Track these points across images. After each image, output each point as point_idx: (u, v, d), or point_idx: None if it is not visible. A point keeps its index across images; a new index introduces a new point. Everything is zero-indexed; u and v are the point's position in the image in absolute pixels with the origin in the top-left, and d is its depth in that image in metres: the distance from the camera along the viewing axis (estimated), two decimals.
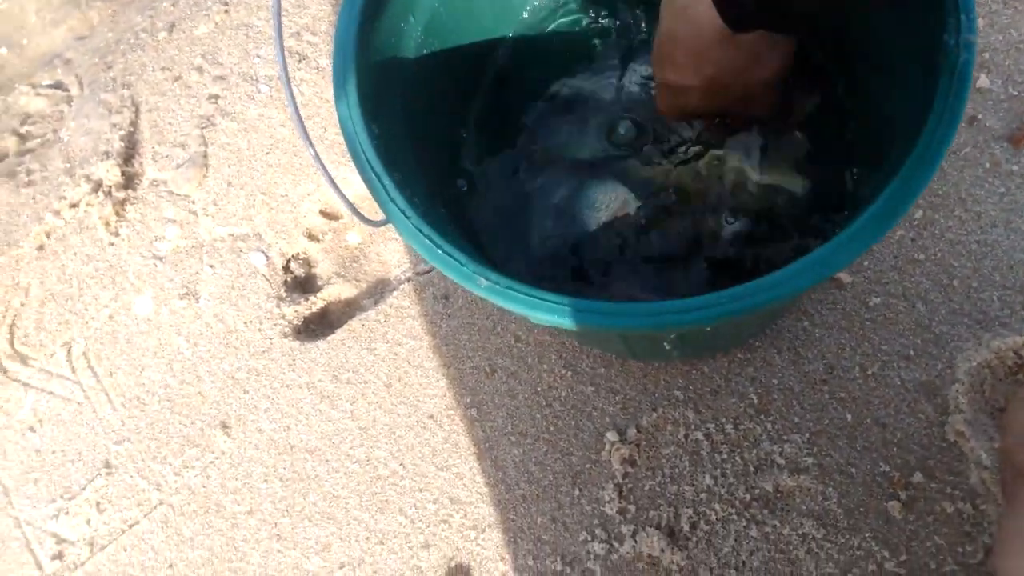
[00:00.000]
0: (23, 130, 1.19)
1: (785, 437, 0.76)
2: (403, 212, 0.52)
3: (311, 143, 0.48)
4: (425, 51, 0.65)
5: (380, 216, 0.55)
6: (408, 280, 0.93)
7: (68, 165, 1.12)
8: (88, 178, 1.08)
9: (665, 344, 0.65)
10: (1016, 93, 0.84)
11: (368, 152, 0.54)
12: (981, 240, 0.79)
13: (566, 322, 0.47)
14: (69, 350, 1.01)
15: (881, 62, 0.58)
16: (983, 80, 0.84)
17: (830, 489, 0.74)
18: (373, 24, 0.59)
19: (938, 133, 0.43)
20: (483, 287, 0.49)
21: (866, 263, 0.80)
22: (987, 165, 0.82)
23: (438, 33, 0.66)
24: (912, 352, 0.77)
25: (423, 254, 0.51)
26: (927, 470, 0.73)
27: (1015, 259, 0.78)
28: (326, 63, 1.06)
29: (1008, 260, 0.78)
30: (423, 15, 0.65)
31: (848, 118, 0.66)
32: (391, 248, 0.96)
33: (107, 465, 0.93)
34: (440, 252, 0.50)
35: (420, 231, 0.51)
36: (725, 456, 0.77)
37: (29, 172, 1.14)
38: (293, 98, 0.45)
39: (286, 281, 0.98)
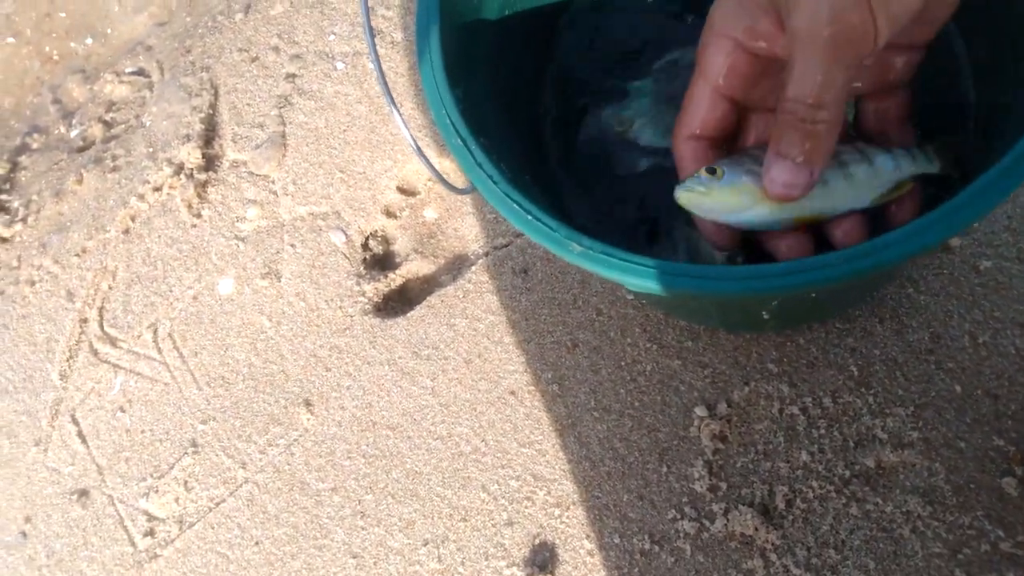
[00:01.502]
0: (108, 117, 1.22)
1: (887, 410, 0.72)
2: (491, 178, 0.50)
3: (395, 106, 0.46)
4: (508, 11, 0.63)
5: (464, 184, 0.54)
6: (486, 255, 0.92)
7: (151, 149, 1.14)
8: (170, 161, 1.10)
9: (764, 313, 0.62)
10: None
11: (453, 116, 0.52)
12: None
13: (666, 289, 0.45)
14: (155, 331, 1.03)
15: None
16: None
17: (937, 465, 0.70)
18: None
19: None
20: (576, 253, 0.47)
21: (976, 224, 0.76)
22: None
23: None
24: None
25: (513, 221, 0.49)
26: None
27: None
28: (401, 37, 1.05)
29: None
30: None
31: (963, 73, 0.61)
32: (468, 223, 0.95)
33: (193, 444, 0.95)
34: (531, 218, 0.49)
35: (509, 196, 0.50)
36: (823, 431, 0.73)
37: (114, 158, 1.16)
38: (378, 60, 0.44)
39: (365, 258, 0.97)
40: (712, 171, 0.50)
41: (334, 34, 1.10)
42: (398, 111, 0.46)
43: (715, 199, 0.50)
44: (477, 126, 0.54)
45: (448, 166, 0.98)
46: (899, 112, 0.51)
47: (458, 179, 0.94)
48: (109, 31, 1.31)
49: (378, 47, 1.05)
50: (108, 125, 1.21)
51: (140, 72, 1.23)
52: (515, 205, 0.49)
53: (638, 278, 0.46)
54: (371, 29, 0.46)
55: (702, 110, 0.49)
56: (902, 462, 0.71)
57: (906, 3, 0.39)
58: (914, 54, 0.49)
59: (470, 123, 0.53)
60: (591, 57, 0.72)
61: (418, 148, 0.49)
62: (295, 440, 0.91)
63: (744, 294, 0.44)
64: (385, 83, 0.49)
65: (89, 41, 1.32)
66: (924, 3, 0.40)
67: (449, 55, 0.55)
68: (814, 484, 0.72)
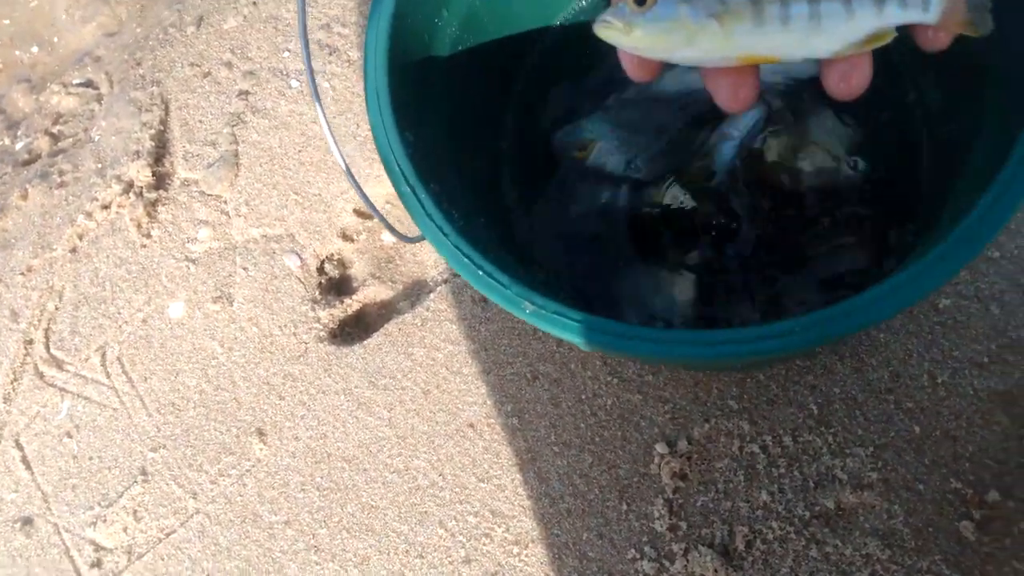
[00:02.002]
0: (55, 130, 1.18)
1: (847, 450, 0.72)
2: (440, 229, 0.49)
3: (342, 155, 0.44)
4: (461, 48, 0.61)
5: (416, 231, 0.52)
6: (445, 282, 0.90)
7: (99, 165, 1.10)
8: (119, 179, 1.07)
9: None
10: None
11: (402, 163, 0.50)
12: None
13: (620, 352, 0.43)
14: (103, 355, 0.99)
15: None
16: None
17: (896, 507, 0.70)
18: (405, 21, 0.55)
19: None
20: (528, 312, 0.45)
21: None
22: None
23: (475, 29, 0.62)
24: (986, 359, 0.71)
25: (463, 275, 0.48)
26: (1004, 488, 0.68)
27: None
28: (357, 55, 1.03)
29: None
30: (458, 9, 0.61)
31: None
32: (427, 247, 0.93)
33: (143, 472, 0.92)
34: (481, 273, 0.47)
35: (459, 249, 0.48)
36: (783, 470, 0.73)
37: (61, 173, 1.12)
38: (324, 115, 0.41)
39: (320, 283, 0.95)
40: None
41: (288, 51, 1.07)
42: (344, 160, 0.44)
43: (635, 39, 0.41)
44: (428, 170, 0.52)
45: None
46: None
47: None
48: (56, 40, 1.27)
49: (333, 66, 1.02)
50: (55, 138, 1.17)
51: (88, 84, 1.19)
52: (465, 259, 0.48)
53: (591, 341, 0.44)
54: (307, 47, 0.43)
55: None
56: (861, 503, 0.70)
57: None
58: None
59: (420, 168, 0.51)
60: (552, 94, 0.70)
61: (366, 197, 0.46)
62: (247, 470, 0.88)
63: (705, 359, 0.43)
64: (326, 120, 0.47)
65: (35, 49, 1.27)
66: None
67: (399, 95, 0.53)
68: (774, 525, 0.71)
